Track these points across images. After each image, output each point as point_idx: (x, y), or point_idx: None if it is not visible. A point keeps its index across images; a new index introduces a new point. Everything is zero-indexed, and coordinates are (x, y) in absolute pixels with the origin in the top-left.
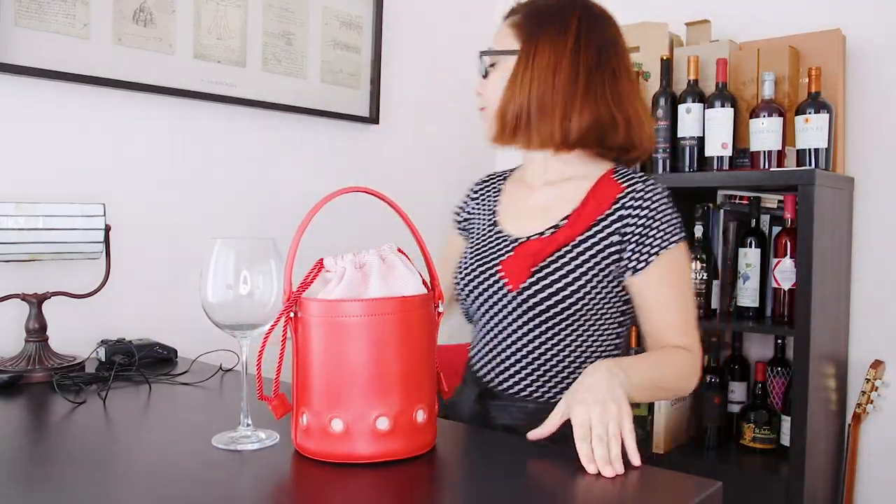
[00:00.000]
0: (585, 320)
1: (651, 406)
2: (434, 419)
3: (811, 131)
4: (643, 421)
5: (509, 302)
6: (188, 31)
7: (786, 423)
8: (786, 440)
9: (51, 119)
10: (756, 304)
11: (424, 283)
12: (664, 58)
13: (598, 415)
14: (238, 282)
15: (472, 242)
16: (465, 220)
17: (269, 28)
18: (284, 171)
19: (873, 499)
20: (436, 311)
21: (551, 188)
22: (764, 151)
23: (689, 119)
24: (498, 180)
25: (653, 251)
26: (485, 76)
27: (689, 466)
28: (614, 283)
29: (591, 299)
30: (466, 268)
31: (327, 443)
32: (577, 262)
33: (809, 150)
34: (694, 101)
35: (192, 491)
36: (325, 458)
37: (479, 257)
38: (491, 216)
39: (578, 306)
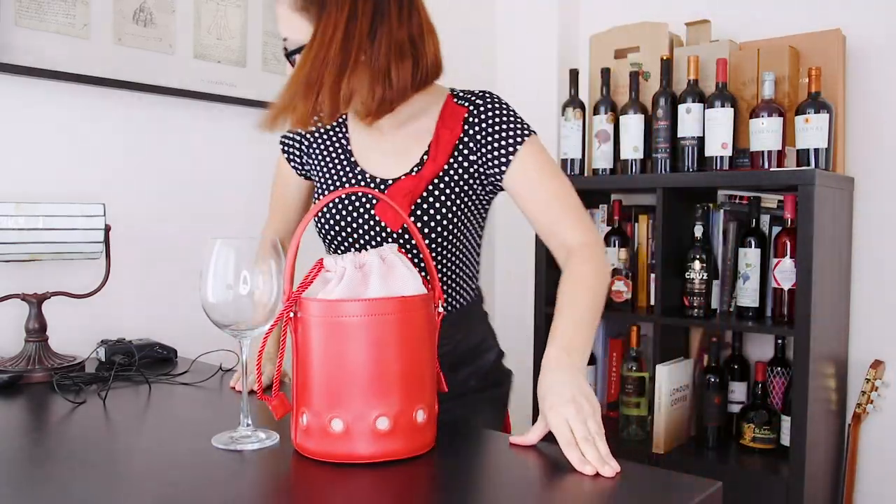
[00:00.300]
0: (461, 242)
1: (651, 406)
2: (434, 419)
3: (811, 131)
4: (643, 421)
5: (390, 243)
6: (188, 31)
7: (786, 423)
8: (786, 440)
9: (51, 119)
10: (756, 304)
11: (424, 282)
12: (664, 58)
13: (574, 415)
14: (238, 282)
15: (330, 182)
16: (302, 154)
17: (270, 28)
18: None
19: (873, 499)
20: (436, 311)
21: (401, 128)
22: (764, 151)
23: (689, 119)
24: (337, 128)
25: (510, 147)
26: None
27: (689, 466)
28: (484, 200)
29: (467, 222)
30: (335, 211)
31: (327, 443)
32: (449, 189)
33: (809, 150)
34: (694, 101)
35: (192, 491)
36: (325, 458)
37: (349, 199)
38: (347, 156)
39: (455, 232)
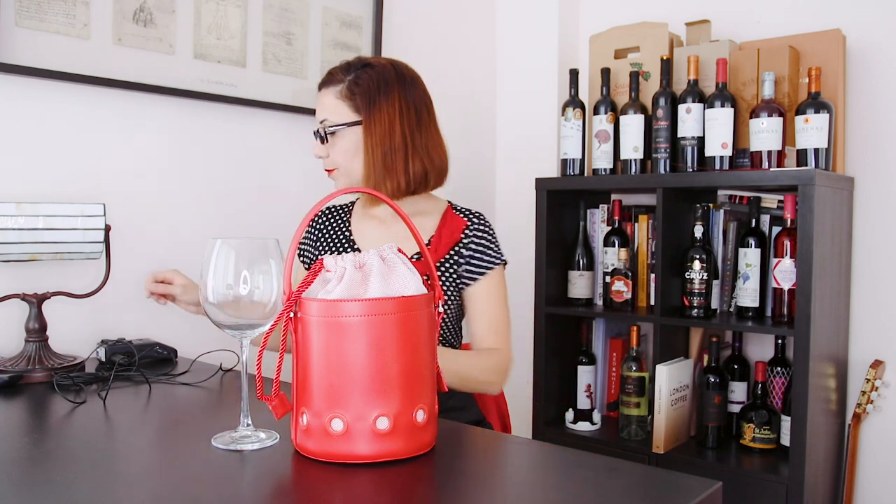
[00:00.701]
0: (450, 329)
1: (651, 406)
2: (434, 419)
3: (811, 131)
4: (643, 421)
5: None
6: (188, 31)
7: (786, 423)
8: (786, 440)
9: (51, 119)
10: (756, 304)
11: (424, 283)
12: (664, 58)
13: None
14: (238, 282)
15: None
16: (312, 251)
17: (269, 28)
18: (285, 170)
19: (873, 499)
20: (436, 311)
21: (402, 221)
22: (764, 151)
23: (689, 119)
24: (340, 214)
25: (487, 267)
26: (324, 142)
27: (689, 466)
28: (459, 297)
29: (454, 309)
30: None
31: (327, 443)
32: (442, 279)
33: (809, 150)
34: (694, 101)
35: (192, 491)
36: (325, 458)
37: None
38: (350, 245)
39: (447, 317)
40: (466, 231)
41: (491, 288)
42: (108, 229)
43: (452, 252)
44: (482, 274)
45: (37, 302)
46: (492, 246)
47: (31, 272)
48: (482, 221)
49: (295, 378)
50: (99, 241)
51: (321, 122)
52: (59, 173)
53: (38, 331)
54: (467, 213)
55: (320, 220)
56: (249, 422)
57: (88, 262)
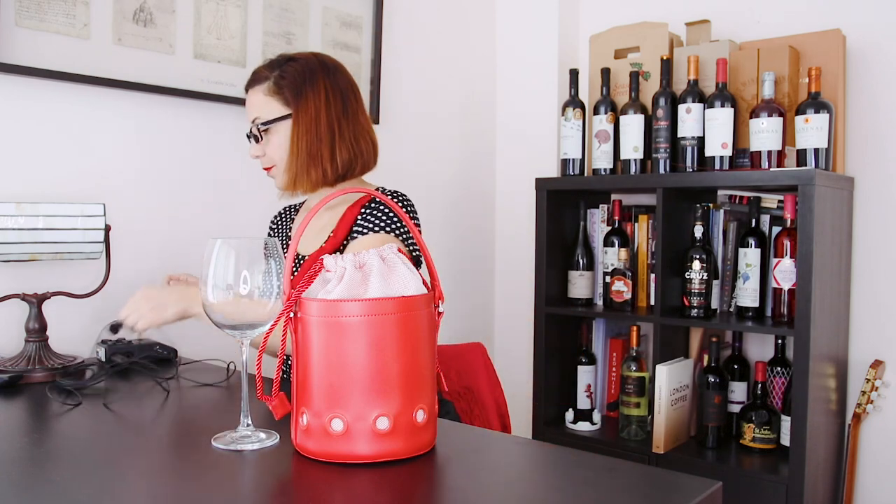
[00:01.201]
0: None
1: (651, 406)
2: (434, 419)
3: (811, 131)
4: (643, 421)
5: None
6: (188, 31)
7: (786, 423)
8: (786, 440)
9: (51, 119)
10: (756, 304)
11: (424, 282)
12: (664, 58)
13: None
14: (238, 282)
15: None
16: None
17: (269, 28)
18: None
19: (873, 499)
20: (436, 311)
21: (329, 211)
22: (764, 151)
23: (690, 119)
24: (291, 211)
25: (361, 231)
26: (258, 141)
27: (689, 466)
28: None
29: None
30: None
31: (327, 443)
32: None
33: (809, 150)
34: (694, 101)
35: (192, 491)
36: (325, 458)
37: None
38: (286, 240)
39: None
40: (363, 209)
41: (356, 247)
42: (108, 229)
43: (350, 235)
44: (355, 238)
45: (37, 302)
46: (378, 213)
47: (31, 272)
48: (387, 196)
49: (295, 378)
50: (99, 241)
51: (252, 122)
52: (59, 173)
53: (38, 331)
54: (387, 192)
55: (277, 218)
56: (249, 422)
57: (88, 262)
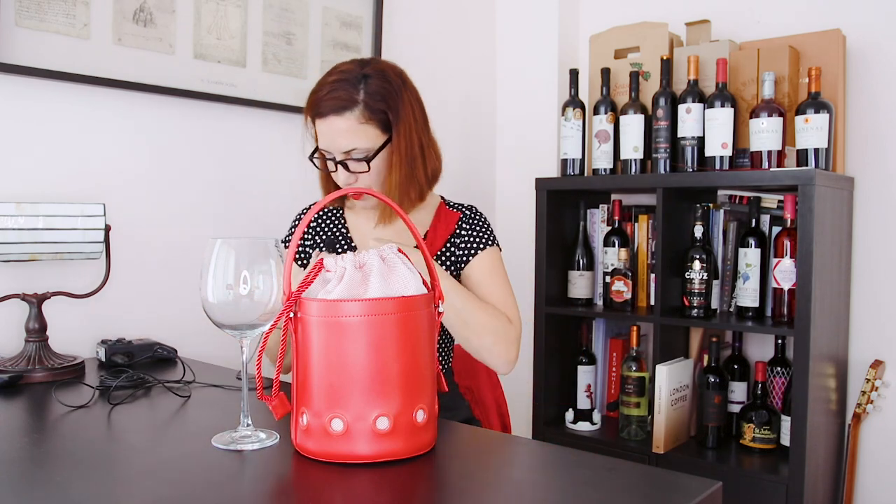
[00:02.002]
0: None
1: (651, 406)
2: (434, 419)
3: (811, 131)
4: (643, 421)
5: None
6: (188, 31)
7: (786, 423)
8: (786, 440)
9: (51, 119)
10: (756, 304)
11: (424, 283)
12: (664, 58)
13: None
14: (238, 282)
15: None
16: (307, 257)
17: (269, 28)
18: (285, 171)
19: (873, 499)
20: (436, 311)
21: (397, 220)
22: (764, 151)
23: (689, 119)
24: (332, 212)
25: (479, 247)
26: (347, 169)
27: (689, 466)
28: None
29: None
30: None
31: (327, 443)
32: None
33: (809, 150)
34: (694, 101)
35: (192, 491)
36: (325, 458)
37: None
38: (347, 243)
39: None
40: (460, 222)
41: (486, 264)
42: (108, 229)
43: (448, 244)
44: (475, 254)
45: (37, 302)
46: (484, 228)
47: (31, 272)
48: (475, 212)
49: (295, 378)
50: (99, 241)
51: (347, 152)
52: (59, 173)
53: (38, 331)
54: (460, 206)
55: (314, 221)
56: (249, 422)
57: (88, 262)
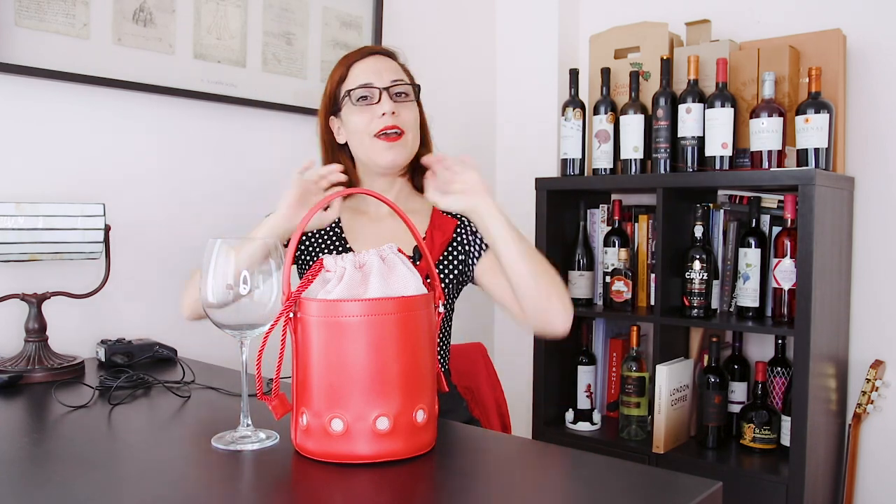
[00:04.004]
0: (442, 328)
1: (651, 406)
2: (434, 419)
3: (811, 131)
4: (643, 421)
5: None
6: (188, 31)
7: (786, 423)
8: (786, 440)
9: (51, 119)
10: (756, 304)
11: (424, 282)
12: (664, 58)
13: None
14: (238, 282)
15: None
16: (311, 259)
17: (269, 28)
18: (285, 171)
19: (873, 499)
20: (436, 311)
21: (396, 219)
22: (764, 151)
23: (690, 119)
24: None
25: (483, 247)
26: (402, 101)
27: (689, 466)
28: (464, 283)
29: (452, 303)
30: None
31: (327, 443)
32: (440, 277)
33: (809, 149)
34: (694, 101)
35: (192, 491)
36: (325, 458)
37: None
38: (342, 244)
39: (445, 315)
40: (458, 229)
41: (495, 261)
42: (108, 229)
43: (446, 252)
44: (486, 249)
45: (36, 302)
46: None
47: (31, 272)
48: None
49: (295, 378)
50: (99, 241)
51: (394, 81)
52: (59, 173)
53: (37, 331)
54: (453, 214)
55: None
56: (249, 422)
57: (88, 262)
